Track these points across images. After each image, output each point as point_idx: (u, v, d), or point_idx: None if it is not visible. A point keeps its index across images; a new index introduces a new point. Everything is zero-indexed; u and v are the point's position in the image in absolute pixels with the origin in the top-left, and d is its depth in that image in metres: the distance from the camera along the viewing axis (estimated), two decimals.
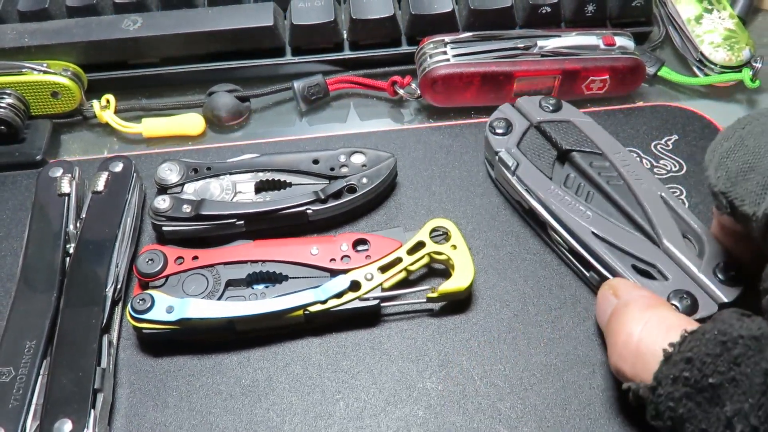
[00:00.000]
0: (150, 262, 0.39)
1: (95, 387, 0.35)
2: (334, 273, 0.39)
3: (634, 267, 0.37)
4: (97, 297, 0.38)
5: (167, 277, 0.38)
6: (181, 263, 0.39)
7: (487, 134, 0.44)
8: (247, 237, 0.41)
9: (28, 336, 0.36)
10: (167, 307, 0.37)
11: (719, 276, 0.35)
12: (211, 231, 0.42)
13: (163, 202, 0.41)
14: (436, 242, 0.40)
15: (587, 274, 0.39)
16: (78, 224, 0.41)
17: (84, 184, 0.44)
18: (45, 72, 0.49)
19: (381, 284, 0.39)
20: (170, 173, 0.43)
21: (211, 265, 0.39)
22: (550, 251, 0.42)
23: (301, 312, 0.37)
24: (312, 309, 0.37)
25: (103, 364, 0.36)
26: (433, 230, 0.40)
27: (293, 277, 0.39)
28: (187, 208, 0.41)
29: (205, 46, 0.51)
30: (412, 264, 0.39)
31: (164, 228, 0.41)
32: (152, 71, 0.52)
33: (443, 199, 0.45)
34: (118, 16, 0.51)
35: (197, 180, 0.43)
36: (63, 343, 0.36)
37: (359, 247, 0.40)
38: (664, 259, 0.37)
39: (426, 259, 0.40)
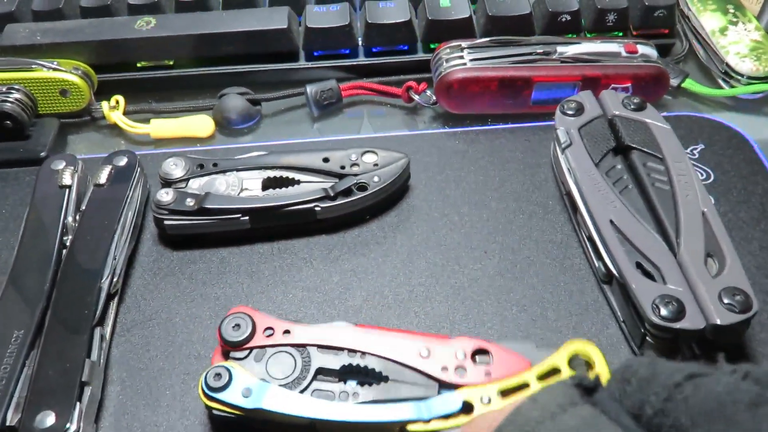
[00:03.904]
0: (236, 327, 0.33)
1: (83, 380, 0.32)
2: (444, 385, 0.32)
3: (638, 264, 0.35)
4: (91, 289, 0.36)
5: (252, 349, 0.33)
6: (269, 335, 0.33)
7: (557, 112, 0.43)
8: (252, 235, 0.39)
9: (15, 325, 0.34)
10: (244, 389, 0.31)
11: (724, 299, 0.32)
12: (215, 226, 0.40)
13: (165, 195, 0.40)
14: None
15: (596, 265, 0.38)
16: (77, 216, 0.40)
17: (87, 178, 0.43)
18: (54, 69, 0.48)
19: None
20: (175, 168, 0.42)
21: (303, 345, 0.33)
22: (570, 257, 0.40)
23: (397, 429, 0.31)
24: (411, 428, 0.30)
25: (93, 357, 0.34)
26: (573, 357, 0.31)
27: (394, 380, 0.32)
28: (190, 202, 0.39)
29: (218, 49, 0.50)
30: None
31: (166, 222, 0.39)
32: (163, 74, 0.51)
33: (458, 202, 0.43)
34: (132, 17, 0.51)
35: (203, 176, 0.42)
36: (52, 334, 0.34)
37: (478, 358, 0.32)
38: (672, 266, 0.34)
39: None
